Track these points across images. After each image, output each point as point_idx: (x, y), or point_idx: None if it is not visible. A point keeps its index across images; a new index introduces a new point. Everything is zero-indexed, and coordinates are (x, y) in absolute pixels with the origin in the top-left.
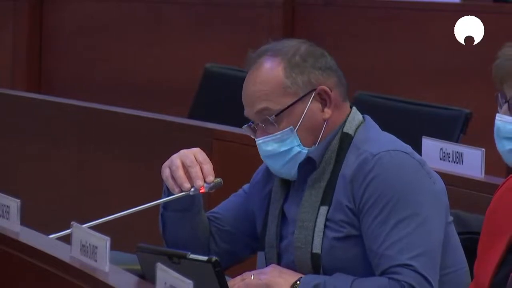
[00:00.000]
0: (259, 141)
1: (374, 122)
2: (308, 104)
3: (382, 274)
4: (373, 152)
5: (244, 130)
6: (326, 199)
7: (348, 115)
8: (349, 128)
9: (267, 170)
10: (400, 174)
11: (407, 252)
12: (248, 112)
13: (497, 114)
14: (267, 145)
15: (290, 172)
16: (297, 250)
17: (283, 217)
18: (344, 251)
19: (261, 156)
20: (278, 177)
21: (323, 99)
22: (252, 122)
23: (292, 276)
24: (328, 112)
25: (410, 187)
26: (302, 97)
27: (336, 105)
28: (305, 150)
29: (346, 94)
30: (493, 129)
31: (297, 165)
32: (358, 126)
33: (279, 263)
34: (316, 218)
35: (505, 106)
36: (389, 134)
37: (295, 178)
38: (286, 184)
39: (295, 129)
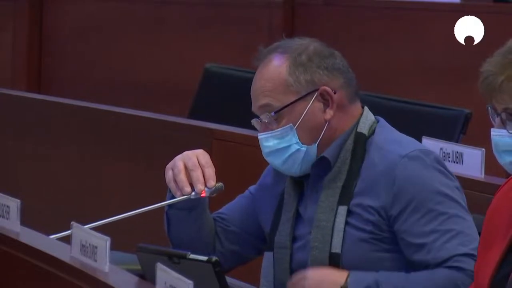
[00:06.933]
0: (259, 136)
1: (387, 123)
2: (310, 104)
3: (441, 264)
4: (401, 153)
5: (253, 123)
6: (345, 199)
7: (361, 115)
8: (362, 128)
9: (276, 171)
10: (431, 175)
11: (467, 244)
12: (253, 107)
13: (492, 129)
14: (267, 140)
15: (291, 169)
16: (314, 250)
17: (297, 217)
18: (365, 251)
19: (262, 154)
20: (289, 178)
21: (326, 100)
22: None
23: (336, 276)
24: (329, 113)
25: (443, 185)
26: (304, 96)
27: (340, 106)
28: (303, 148)
29: (355, 95)
30: None
31: (297, 162)
32: (372, 126)
33: (290, 264)
34: (335, 218)
35: (498, 120)
36: (404, 134)
37: (298, 175)
38: (299, 184)
39: (294, 126)
